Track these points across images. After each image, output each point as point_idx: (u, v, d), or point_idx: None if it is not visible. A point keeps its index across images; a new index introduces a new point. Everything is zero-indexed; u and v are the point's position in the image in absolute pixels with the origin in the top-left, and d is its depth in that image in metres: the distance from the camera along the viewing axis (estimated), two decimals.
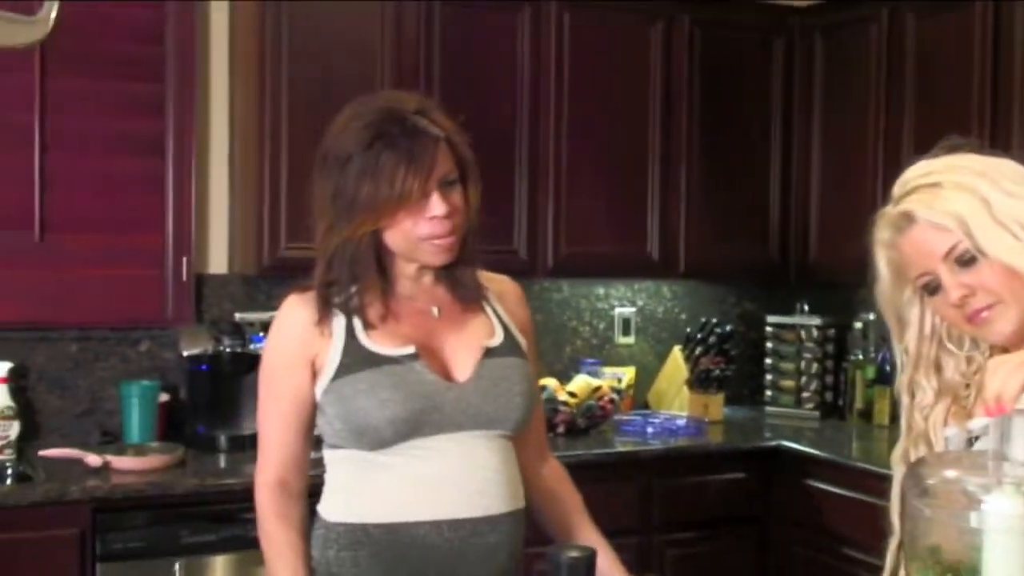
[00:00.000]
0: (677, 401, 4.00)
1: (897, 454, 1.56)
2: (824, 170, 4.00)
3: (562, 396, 3.61)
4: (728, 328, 4.01)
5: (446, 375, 1.77)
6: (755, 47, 4.03)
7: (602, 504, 3.32)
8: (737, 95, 4.00)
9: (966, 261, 1.43)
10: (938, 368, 1.54)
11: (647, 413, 3.91)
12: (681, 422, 3.76)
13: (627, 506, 3.42)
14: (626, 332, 4.19)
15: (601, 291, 4.15)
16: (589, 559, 1.41)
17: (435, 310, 1.83)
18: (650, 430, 3.67)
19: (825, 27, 3.98)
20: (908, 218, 1.47)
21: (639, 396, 4.12)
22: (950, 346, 1.53)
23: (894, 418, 3.54)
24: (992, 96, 3.32)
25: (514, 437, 1.83)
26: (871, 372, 3.94)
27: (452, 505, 1.71)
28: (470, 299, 1.85)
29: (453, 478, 1.72)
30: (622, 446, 3.56)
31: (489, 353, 1.81)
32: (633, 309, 4.21)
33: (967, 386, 1.53)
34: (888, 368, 3.85)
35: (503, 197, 3.58)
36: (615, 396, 3.76)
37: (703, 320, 4.06)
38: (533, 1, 3.61)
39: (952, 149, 1.52)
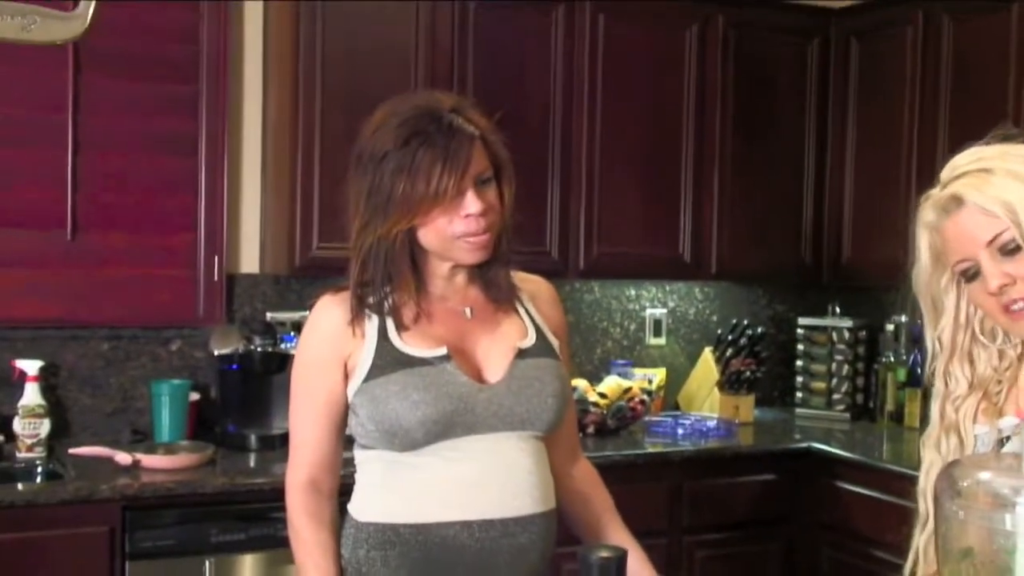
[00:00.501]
0: (708, 403, 3.99)
1: (930, 440, 1.55)
2: (858, 172, 3.97)
3: (592, 397, 3.61)
4: (759, 330, 3.99)
5: (478, 376, 1.77)
6: (790, 49, 4.01)
7: (631, 505, 3.31)
8: (771, 97, 3.99)
9: (1010, 250, 1.42)
10: (971, 360, 1.53)
11: (677, 414, 3.89)
12: (711, 423, 3.74)
13: (656, 507, 3.42)
14: (657, 333, 4.18)
15: (632, 292, 4.14)
16: (620, 559, 1.41)
17: (468, 311, 1.83)
18: (680, 431, 3.66)
19: (860, 29, 3.96)
20: (956, 201, 1.45)
21: (670, 397, 4.11)
22: (982, 338, 1.52)
23: (925, 420, 3.51)
24: None
25: (546, 438, 1.83)
26: (902, 374, 3.91)
27: (483, 506, 1.71)
28: (503, 299, 1.85)
29: (484, 479, 1.72)
30: (652, 447, 3.55)
31: (521, 354, 1.81)
32: (664, 310, 4.19)
33: (999, 382, 1.51)
34: (919, 371, 3.81)
35: (536, 198, 3.58)
36: (645, 397, 3.75)
37: (734, 322, 4.04)
38: (567, 1, 3.61)
39: (1005, 139, 1.51)
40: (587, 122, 3.65)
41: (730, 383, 3.92)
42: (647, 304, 4.17)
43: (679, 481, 3.46)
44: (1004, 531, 1.06)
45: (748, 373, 3.91)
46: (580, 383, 3.67)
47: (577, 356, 4.02)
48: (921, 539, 1.51)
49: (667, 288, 4.19)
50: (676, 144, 3.82)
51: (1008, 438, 1.44)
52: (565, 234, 3.65)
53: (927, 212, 1.50)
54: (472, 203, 1.72)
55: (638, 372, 3.97)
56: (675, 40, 3.80)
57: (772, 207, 4.00)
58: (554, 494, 1.83)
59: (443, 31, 3.43)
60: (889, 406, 3.95)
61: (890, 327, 4.00)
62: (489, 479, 1.72)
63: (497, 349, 1.80)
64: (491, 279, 1.84)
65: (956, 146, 4.00)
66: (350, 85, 3.26)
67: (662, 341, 4.18)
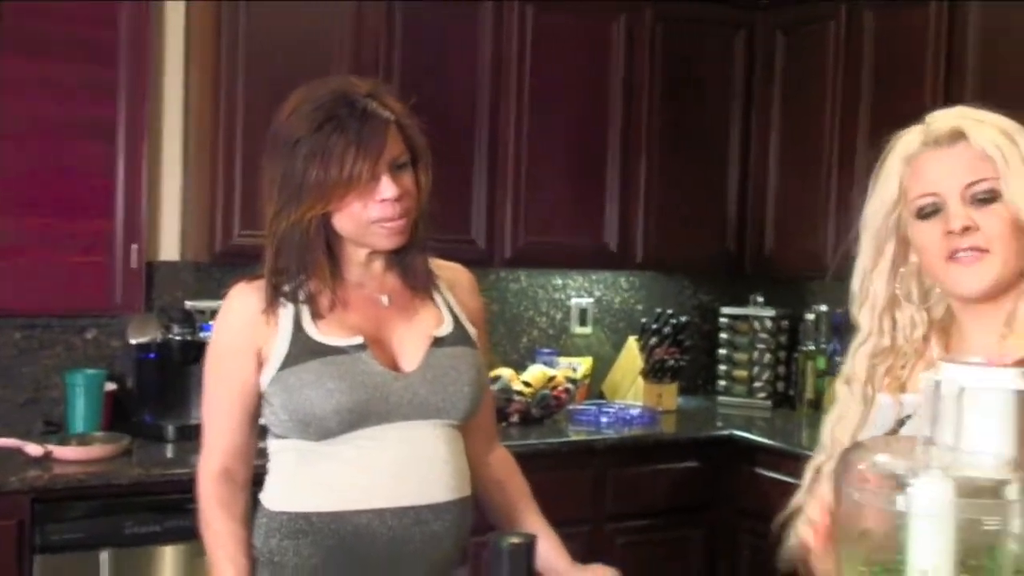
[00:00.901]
0: (632, 391, 4.02)
1: (839, 380, 1.56)
2: (781, 164, 4.03)
3: (517, 386, 3.62)
4: (683, 319, 4.03)
5: (394, 365, 1.77)
6: (717, 41, 4.05)
7: (555, 493, 3.33)
8: (698, 89, 4.02)
9: (984, 200, 1.39)
10: (893, 319, 1.50)
11: (601, 403, 3.92)
12: (635, 412, 3.77)
13: (580, 495, 3.44)
14: (583, 322, 4.20)
15: (559, 281, 4.16)
16: (529, 545, 1.41)
17: (384, 298, 1.82)
18: (604, 420, 3.68)
19: (786, 23, 4.01)
20: (955, 136, 1.41)
21: (595, 386, 4.13)
22: (904, 298, 1.49)
23: None
24: (945, 93, 3.35)
25: (462, 426, 1.83)
26: (822, 363, 3.98)
27: (396, 494, 1.71)
28: (420, 287, 1.85)
29: (398, 467, 1.72)
30: (576, 435, 3.57)
31: (438, 343, 1.81)
32: (590, 300, 4.22)
33: (905, 354, 1.49)
34: (838, 359, 3.88)
35: (462, 187, 3.59)
36: (570, 386, 3.77)
37: (658, 311, 4.08)
38: None
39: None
40: (515, 112, 3.66)
41: (654, 372, 3.95)
42: (573, 293, 4.19)
43: (602, 469, 3.48)
44: (897, 512, 1.08)
45: (672, 362, 3.95)
46: (505, 372, 3.68)
47: (502, 345, 4.02)
48: (809, 473, 1.55)
49: (593, 278, 4.21)
50: (603, 134, 3.84)
51: (909, 417, 1.46)
52: (491, 223, 3.65)
53: (911, 141, 1.45)
54: (387, 188, 1.71)
55: (563, 361, 3.99)
56: (603, 31, 3.82)
57: (697, 198, 4.04)
58: (469, 482, 1.83)
59: (370, 19, 3.40)
60: (808, 394, 4.02)
61: (810, 316, 4.06)
62: (403, 467, 1.72)
63: (413, 338, 1.80)
64: (408, 266, 1.83)
65: (876, 140, 4.07)
66: (273, 72, 3.22)
67: (588, 330, 4.20)
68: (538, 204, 3.71)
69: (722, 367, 4.25)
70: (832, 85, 3.77)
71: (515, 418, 3.58)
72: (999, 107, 3.12)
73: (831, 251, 3.78)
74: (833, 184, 3.77)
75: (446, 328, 1.83)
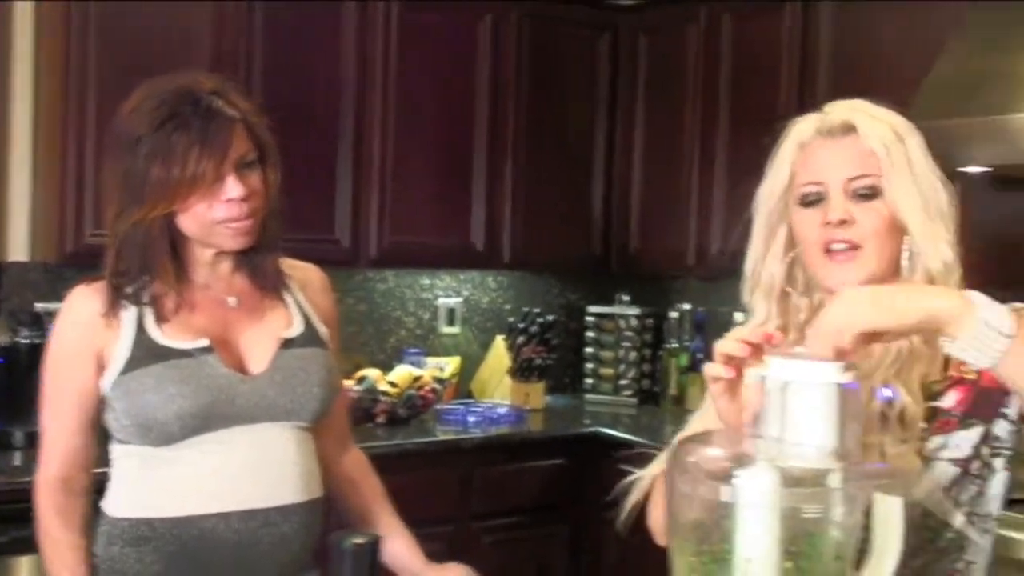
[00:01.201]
0: (499, 390, 4.04)
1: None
2: (645, 165, 4.10)
3: (383, 386, 3.60)
4: (549, 318, 4.07)
5: (241, 367, 1.74)
6: (582, 42, 4.09)
7: (422, 493, 3.36)
8: (564, 89, 4.06)
9: (866, 195, 1.41)
10: (785, 304, 1.51)
11: (469, 402, 3.93)
12: (502, 411, 3.79)
13: (447, 494, 3.44)
14: (451, 322, 4.20)
15: (426, 281, 4.14)
16: (372, 544, 1.40)
17: (232, 300, 1.79)
18: (471, 419, 3.69)
19: (648, 25, 4.07)
20: (846, 127, 1.43)
21: (463, 386, 4.13)
22: (788, 286, 1.50)
23: None
24: (799, 96, 3.45)
25: (313, 428, 1.81)
26: (685, 360, 4.06)
27: (242, 497, 1.68)
28: (269, 287, 1.82)
29: (244, 470, 1.69)
30: (443, 435, 3.57)
31: (287, 344, 1.79)
32: (458, 299, 4.22)
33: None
34: (700, 356, 3.97)
35: (326, 186, 3.55)
36: (437, 386, 3.76)
37: (525, 310, 4.10)
38: None
39: None
40: (380, 110, 3.63)
41: (521, 370, 3.97)
42: (441, 293, 4.18)
43: (469, 468, 3.49)
44: (725, 503, 1.11)
45: (539, 360, 3.97)
46: (372, 372, 3.66)
47: (369, 345, 4.00)
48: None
49: (461, 277, 4.22)
50: (470, 135, 3.84)
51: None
52: (356, 222, 3.62)
53: (805, 128, 1.47)
54: (233, 188, 1.68)
55: (431, 361, 3.98)
56: (470, 30, 3.82)
57: (564, 198, 4.07)
58: (320, 483, 1.81)
59: (229, 19, 3.33)
60: (672, 390, 4.09)
61: (674, 314, 4.14)
62: (249, 470, 1.69)
63: (262, 339, 1.77)
64: (257, 266, 1.80)
65: (736, 140, 4.17)
66: (126, 72, 3.09)
67: (456, 330, 4.20)
68: (404, 203, 3.69)
69: (589, 365, 4.30)
70: (693, 87, 3.85)
71: (381, 419, 3.56)
72: None
73: (693, 250, 3.86)
74: (694, 184, 3.85)
75: (296, 329, 1.81)
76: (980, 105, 2.66)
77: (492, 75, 3.86)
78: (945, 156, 2.80)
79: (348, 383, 3.58)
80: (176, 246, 1.73)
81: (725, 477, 1.12)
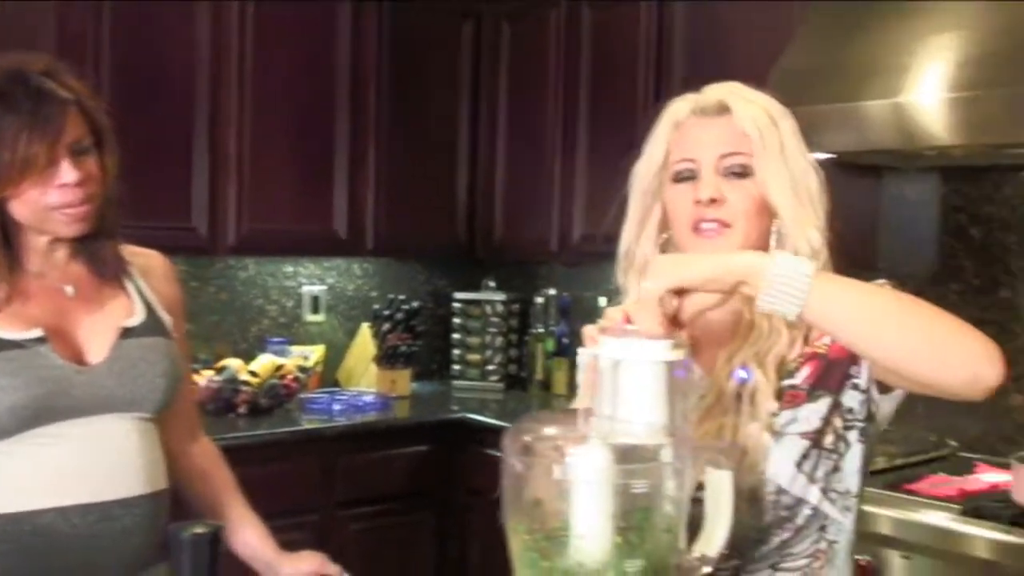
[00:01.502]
0: (365, 378, 4.02)
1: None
2: (509, 152, 4.12)
3: (244, 376, 3.54)
4: (414, 304, 4.06)
5: (78, 358, 1.68)
6: (445, 28, 4.08)
7: (286, 482, 3.33)
8: (427, 75, 4.05)
9: (737, 173, 1.42)
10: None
11: (334, 390, 3.90)
12: (368, 398, 3.77)
13: (311, 483, 3.41)
14: (315, 310, 4.16)
15: (289, 269, 4.09)
16: (213, 535, 1.38)
17: (69, 288, 1.73)
18: (337, 407, 3.66)
19: (510, 12, 4.09)
20: (720, 107, 1.44)
21: (329, 374, 4.10)
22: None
23: (571, 387, 3.71)
24: (656, 85, 3.51)
25: (156, 419, 1.77)
26: (551, 345, 4.10)
27: (80, 491, 1.63)
28: (109, 275, 1.76)
29: (81, 464, 1.64)
30: (308, 424, 3.54)
31: (127, 333, 1.73)
32: (323, 287, 4.18)
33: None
34: (565, 340, 4.02)
35: (181, 175, 3.48)
36: (300, 375, 3.72)
37: (391, 297, 4.09)
38: None
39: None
40: (236, 97, 3.57)
41: (387, 358, 3.96)
42: (305, 281, 4.13)
43: (333, 456, 3.46)
44: (560, 481, 1.13)
45: (404, 347, 3.97)
46: (233, 362, 3.60)
47: (231, 335, 3.93)
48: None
49: (325, 265, 4.18)
50: (331, 121, 3.80)
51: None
52: (214, 210, 3.55)
53: (681, 107, 1.48)
54: (67, 172, 1.62)
55: (295, 350, 3.93)
56: (329, 16, 3.78)
57: (429, 185, 4.07)
58: (164, 475, 1.77)
59: (75, 17, 3.23)
60: (539, 375, 4.14)
61: (540, 300, 4.18)
62: (87, 463, 1.64)
63: (100, 329, 1.72)
64: (95, 254, 1.74)
65: (597, 128, 4.22)
66: None
67: (320, 318, 4.17)
68: (263, 191, 3.63)
69: (456, 351, 4.31)
70: (555, 75, 3.88)
71: (243, 409, 3.50)
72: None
73: (556, 236, 3.90)
74: (557, 171, 3.89)
75: (137, 318, 1.76)
76: (825, 94, 2.74)
77: (353, 60, 3.83)
78: None
79: (208, 373, 3.51)
80: (8, 233, 1.66)
81: (559, 455, 1.14)
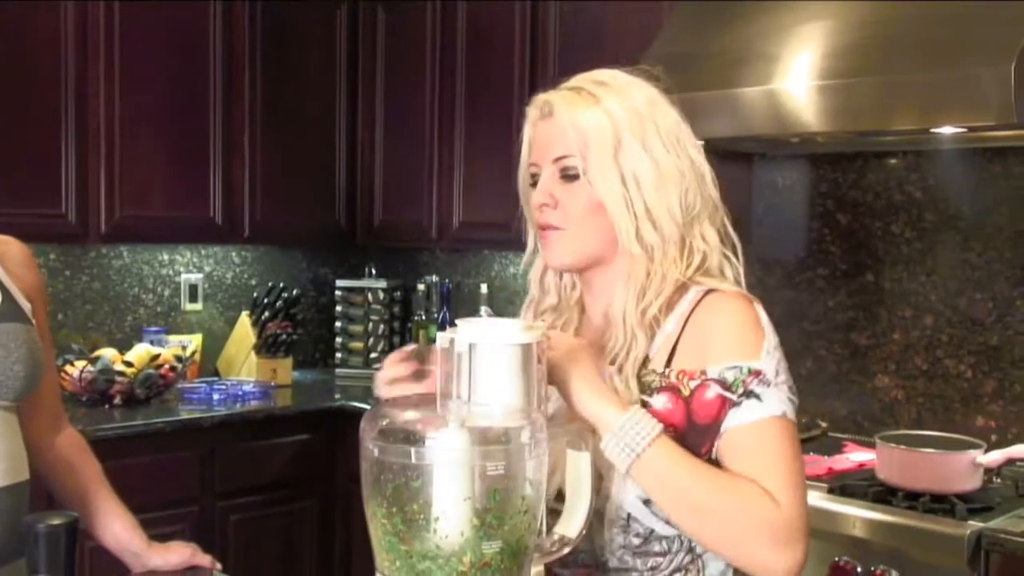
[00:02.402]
0: (246, 367, 3.96)
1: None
2: (387, 138, 4.10)
3: (118, 366, 3.46)
4: (295, 292, 4.02)
5: None
6: (319, 15, 4.03)
7: (162, 474, 3.27)
8: (303, 61, 4.00)
9: (569, 176, 1.40)
10: (556, 280, 1.54)
11: (213, 380, 3.83)
12: (248, 387, 3.72)
13: (189, 474, 3.36)
14: (193, 299, 4.08)
15: (165, 257, 4.01)
16: (69, 526, 1.35)
17: None
18: (216, 396, 3.60)
19: None
20: (549, 108, 1.42)
21: (208, 363, 4.03)
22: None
23: None
24: (531, 73, 3.52)
25: (16, 408, 1.72)
26: (433, 331, 4.09)
27: None
28: None
29: None
30: (186, 414, 3.47)
31: None
32: (201, 275, 4.10)
33: (565, 310, 1.54)
34: (448, 326, 4.02)
35: (48, 158, 3.38)
36: (177, 364, 3.65)
37: (270, 285, 4.04)
38: None
39: (650, 76, 1.46)
40: (105, 85, 3.47)
41: (267, 346, 3.91)
42: (182, 269, 4.05)
43: (212, 446, 3.41)
44: (415, 464, 1.13)
45: (284, 336, 3.92)
46: (107, 352, 3.52)
47: (106, 324, 3.84)
48: None
49: (203, 252, 4.10)
50: (204, 107, 3.73)
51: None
52: (83, 197, 3.45)
53: (532, 108, 1.46)
54: None
55: (173, 339, 3.86)
56: (200, 5, 3.70)
57: (306, 171, 4.03)
58: (26, 466, 1.72)
59: None
60: None
61: (421, 286, 4.18)
62: None
63: None
64: None
65: (473, 115, 4.21)
66: None
67: (198, 306, 4.09)
68: (135, 178, 3.55)
69: (339, 339, 4.28)
70: (431, 60, 3.87)
71: (118, 400, 3.42)
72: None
73: (435, 222, 3.89)
74: (434, 158, 3.88)
75: None
76: (697, 81, 2.79)
77: (225, 46, 3.76)
78: None
79: (81, 364, 3.42)
80: None
81: (416, 439, 1.14)
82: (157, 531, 1.89)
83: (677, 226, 1.41)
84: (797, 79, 2.58)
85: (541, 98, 1.45)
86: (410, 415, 1.19)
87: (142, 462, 3.20)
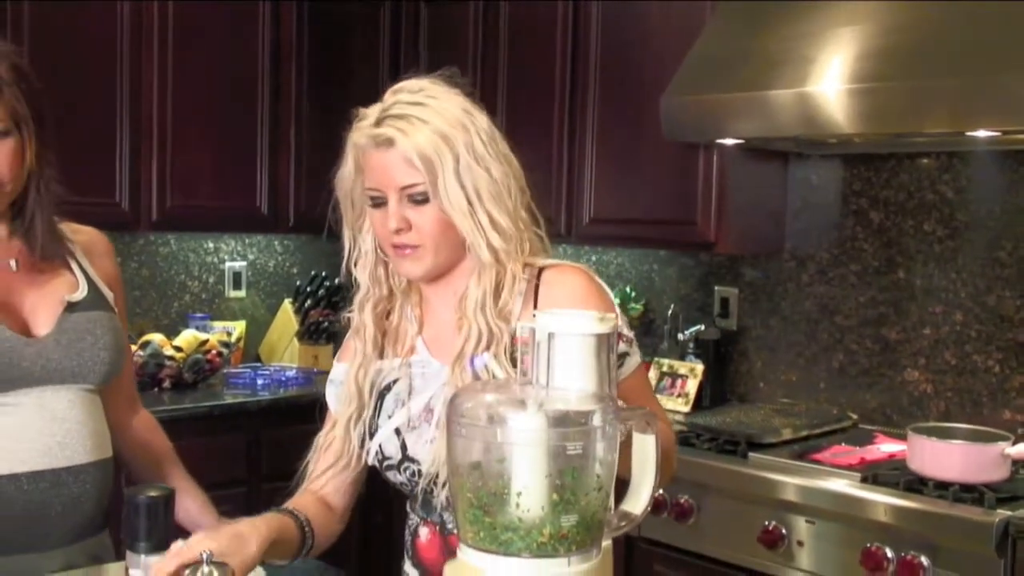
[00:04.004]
0: (288, 353, 4.07)
1: (351, 332, 1.69)
2: None
3: (168, 351, 3.58)
4: (336, 281, 4.12)
5: (25, 330, 1.73)
6: (364, 9, 4.12)
7: (211, 456, 3.37)
8: (347, 55, 4.09)
9: (419, 200, 1.51)
10: (384, 270, 1.63)
11: (257, 366, 3.94)
12: (291, 373, 3.83)
13: (236, 457, 3.47)
14: (237, 286, 4.19)
15: (211, 245, 4.12)
16: (167, 498, 1.46)
17: (12, 263, 1.78)
18: (260, 382, 3.71)
19: None
20: (388, 142, 1.49)
21: (251, 349, 4.14)
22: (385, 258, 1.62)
23: None
24: (572, 72, 3.59)
25: (100, 390, 1.82)
26: None
27: (31, 457, 1.68)
28: (50, 252, 1.81)
29: (31, 431, 1.69)
30: (232, 399, 3.58)
31: (72, 307, 1.79)
32: (244, 263, 4.21)
33: (398, 297, 1.64)
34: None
35: (104, 150, 3.49)
36: (224, 350, 3.76)
37: (312, 273, 4.14)
38: None
39: (450, 79, 1.56)
40: (158, 73, 3.58)
41: (309, 333, 4.02)
42: (226, 257, 4.17)
43: (257, 430, 3.52)
44: (498, 443, 1.23)
45: (326, 323, 4.03)
46: (156, 337, 3.62)
47: (153, 310, 3.95)
48: (348, 411, 1.68)
49: (247, 241, 4.21)
50: (252, 101, 3.84)
51: (396, 381, 1.62)
52: (136, 185, 3.57)
53: (359, 135, 1.53)
54: None
55: (217, 325, 3.97)
56: (248, 1, 3.80)
57: None
58: (110, 444, 1.83)
59: None
60: None
61: None
62: (37, 431, 1.70)
63: (46, 302, 1.77)
64: (29, 231, 1.79)
65: (514, 110, 4.24)
66: None
67: (242, 294, 4.20)
68: (185, 167, 3.66)
69: None
70: (472, 59, 3.93)
71: (167, 383, 3.54)
72: (621, 83, 3.32)
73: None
74: None
75: (81, 292, 1.81)
76: (734, 83, 2.87)
77: (273, 40, 3.86)
78: (702, 128, 3.05)
79: (132, 348, 3.53)
80: None
81: (499, 420, 1.24)
82: None
83: (515, 225, 1.54)
84: (830, 82, 2.65)
85: (375, 132, 1.51)
86: (492, 398, 1.28)
87: (190, 444, 3.24)
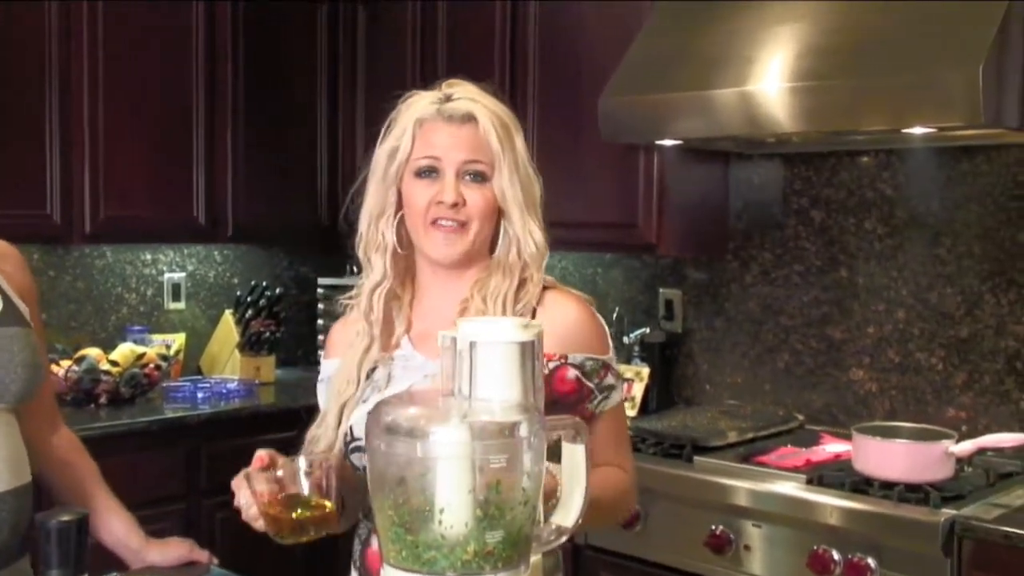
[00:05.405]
0: (229, 365, 4.00)
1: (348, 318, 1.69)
2: (368, 136, 4.12)
3: (104, 365, 3.49)
4: (277, 291, 4.06)
5: None
6: (299, 12, 4.07)
7: (149, 472, 3.30)
8: (284, 60, 4.03)
9: (477, 179, 1.58)
10: (398, 264, 1.64)
11: (197, 378, 3.86)
12: (232, 385, 3.76)
13: (174, 472, 3.39)
14: (176, 298, 4.11)
15: (148, 256, 4.03)
16: (79, 522, 1.40)
17: None
18: (201, 395, 3.63)
19: None
20: (467, 117, 1.57)
21: (191, 362, 4.07)
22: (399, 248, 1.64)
23: None
24: (511, 75, 3.56)
25: (17, 410, 1.75)
26: None
27: None
28: None
29: None
30: (171, 412, 3.50)
31: None
32: (183, 274, 4.13)
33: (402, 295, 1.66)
34: None
35: (33, 162, 3.40)
36: (162, 363, 3.68)
37: (253, 284, 4.07)
38: None
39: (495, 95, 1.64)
40: (88, 80, 3.49)
41: (250, 344, 3.95)
42: (165, 268, 4.08)
43: (197, 444, 3.45)
44: (419, 458, 1.18)
45: (268, 334, 3.96)
46: (92, 352, 3.54)
47: (90, 324, 3.86)
48: (346, 394, 1.67)
49: (186, 252, 4.13)
50: (187, 106, 3.76)
51: (375, 369, 1.63)
52: (68, 197, 3.48)
53: (427, 106, 1.60)
54: None
55: (157, 338, 3.89)
56: (184, 6, 3.72)
57: (289, 169, 4.06)
58: (28, 468, 1.76)
59: None
60: None
61: None
62: None
63: None
64: None
65: None
66: None
67: (181, 305, 4.12)
68: (119, 178, 3.57)
69: (321, 337, 4.31)
70: (411, 60, 3.90)
71: (104, 399, 3.45)
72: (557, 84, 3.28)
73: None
74: None
75: None
76: (674, 82, 2.85)
77: (207, 47, 3.78)
78: (642, 130, 3.03)
79: (66, 363, 3.45)
80: None
81: (420, 434, 1.19)
82: (145, 529, 1.93)
83: (544, 237, 1.63)
84: (770, 81, 2.64)
85: (451, 105, 1.58)
86: (413, 411, 1.24)
87: (128, 461, 3.22)
